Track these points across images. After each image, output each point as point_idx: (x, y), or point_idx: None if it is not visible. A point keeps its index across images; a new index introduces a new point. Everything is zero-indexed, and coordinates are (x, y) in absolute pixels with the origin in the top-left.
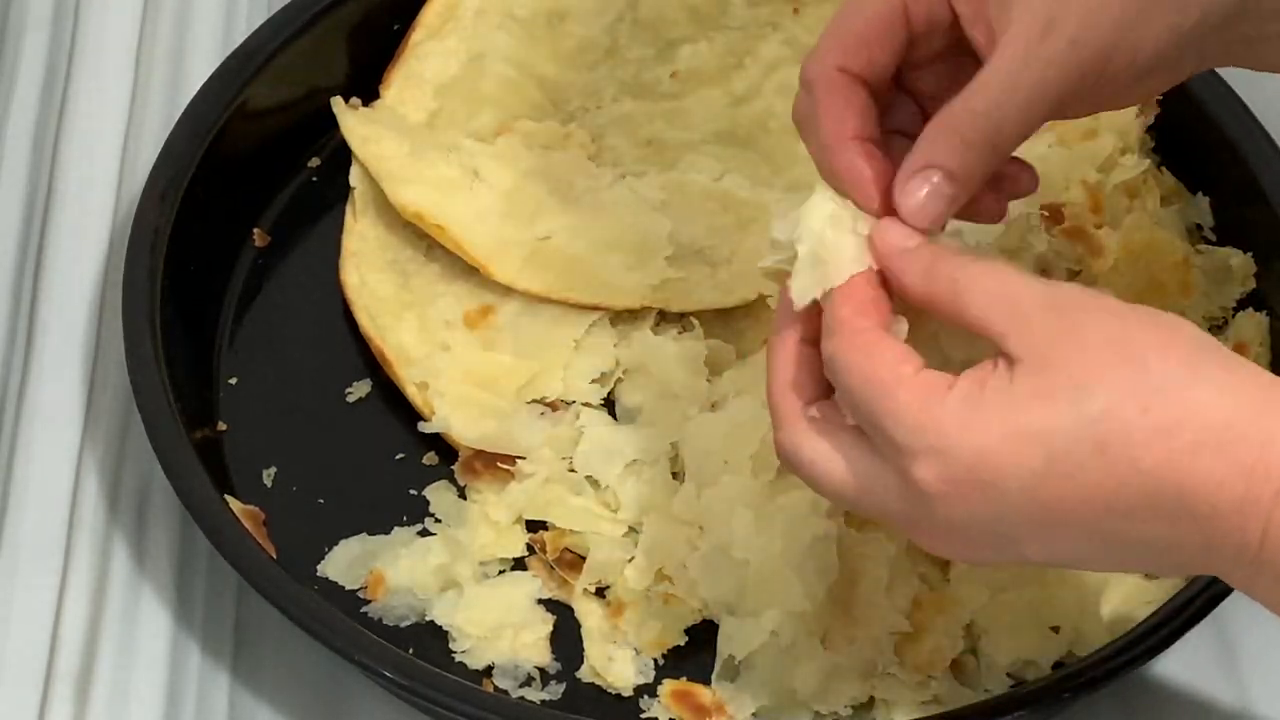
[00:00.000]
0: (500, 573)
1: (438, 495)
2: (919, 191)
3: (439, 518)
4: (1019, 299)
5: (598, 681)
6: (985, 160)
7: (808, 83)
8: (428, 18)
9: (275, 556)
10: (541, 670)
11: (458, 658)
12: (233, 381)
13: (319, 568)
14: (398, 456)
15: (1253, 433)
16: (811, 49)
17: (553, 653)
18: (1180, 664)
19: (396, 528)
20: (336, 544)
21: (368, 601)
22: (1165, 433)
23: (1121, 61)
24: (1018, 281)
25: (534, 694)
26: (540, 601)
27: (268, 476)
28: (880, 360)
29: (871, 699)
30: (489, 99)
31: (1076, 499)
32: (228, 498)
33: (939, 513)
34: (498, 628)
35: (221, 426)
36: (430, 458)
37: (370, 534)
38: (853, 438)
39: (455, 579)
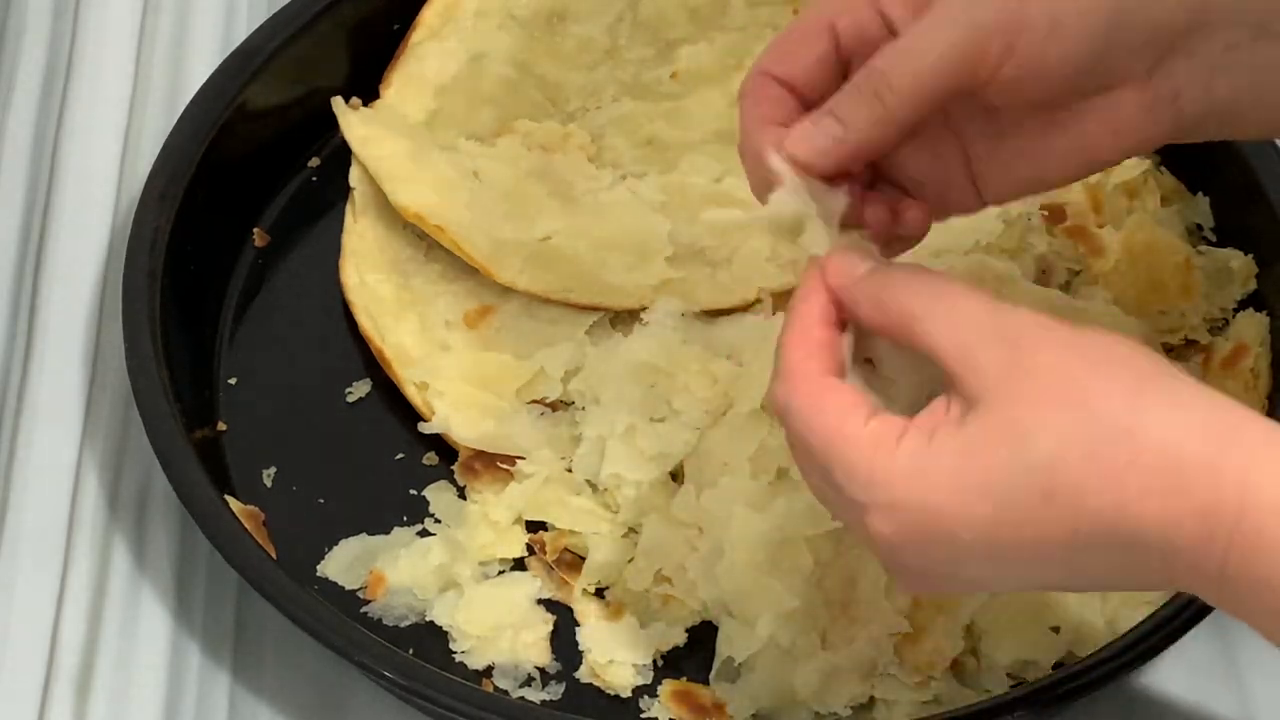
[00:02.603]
0: (500, 573)
1: (437, 495)
2: (808, 128)
3: (439, 518)
4: (968, 335)
5: (596, 683)
6: (878, 114)
7: (741, 93)
8: (428, 18)
9: (275, 556)
10: (541, 670)
11: (458, 658)
12: (233, 381)
13: (319, 568)
14: (398, 456)
15: (1202, 473)
16: None
17: (553, 653)
18: (1180, 664)
19: (396, 528)
20: (336, 544)
21: (368, 601)
22: (1112, 478)
23: (1047, 50)
24: (968, 313)
25: (534, 694)
26: (540, 602)
27: (268, 476)
28: (829, 413)
29: (871, 699)
30: (489, 99)
31: (1031, 542)
32: (228, 498)
33: (897, 559)
34: (497, 628)
35: (221, 426)
36: (430, 458)
37: (370, 534)
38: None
39: (455, 579)
